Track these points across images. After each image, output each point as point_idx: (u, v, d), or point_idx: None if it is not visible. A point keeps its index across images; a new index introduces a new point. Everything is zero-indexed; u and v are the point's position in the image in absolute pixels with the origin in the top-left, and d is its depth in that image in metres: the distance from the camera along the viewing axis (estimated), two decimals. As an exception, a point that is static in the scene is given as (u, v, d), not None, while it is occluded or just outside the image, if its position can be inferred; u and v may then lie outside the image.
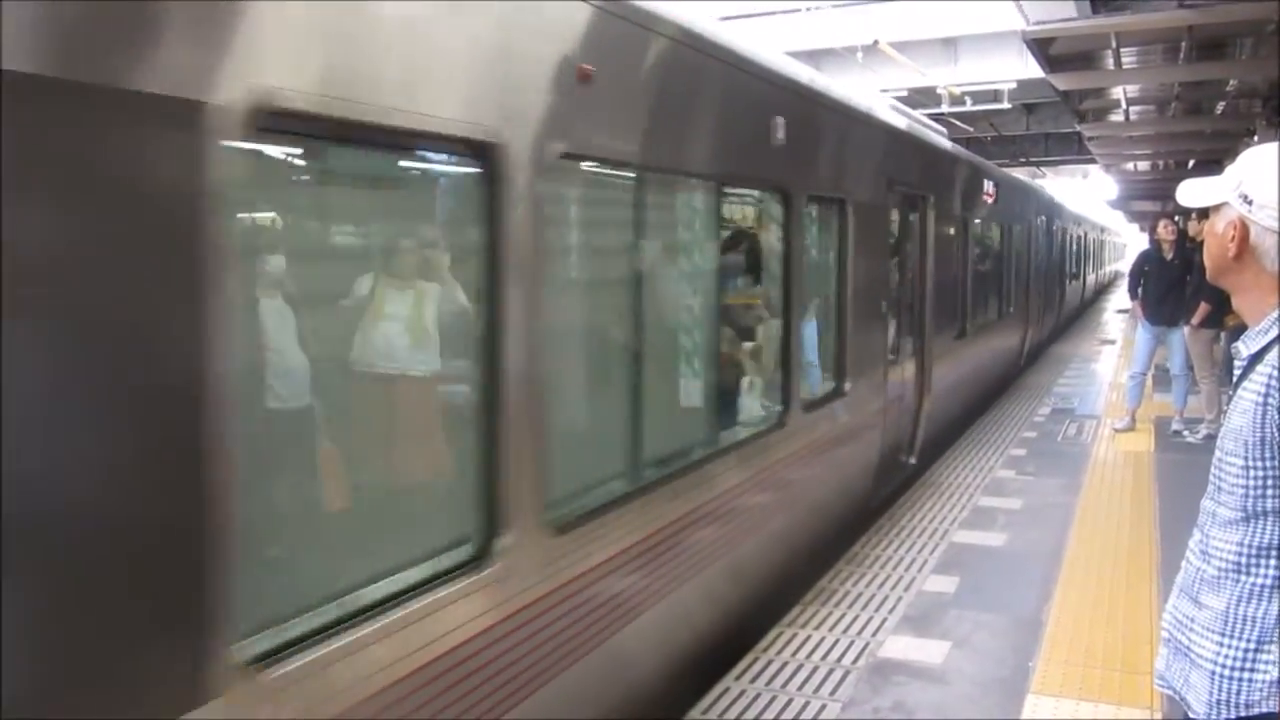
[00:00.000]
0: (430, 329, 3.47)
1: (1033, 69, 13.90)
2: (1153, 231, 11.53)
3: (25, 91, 1.81)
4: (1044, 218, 18.10)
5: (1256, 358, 2.08)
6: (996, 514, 7.57)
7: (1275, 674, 1.99)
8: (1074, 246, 25.07)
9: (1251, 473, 2.02)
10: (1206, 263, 2.26)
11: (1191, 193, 2.30)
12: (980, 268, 12.33)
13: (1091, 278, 33.32)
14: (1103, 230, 40.01)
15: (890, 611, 5.65)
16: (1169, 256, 10.50)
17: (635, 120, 3.94)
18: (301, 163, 3.02)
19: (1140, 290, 10.89)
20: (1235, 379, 2.14)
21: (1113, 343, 19.75)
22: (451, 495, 3.33)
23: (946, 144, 10.65)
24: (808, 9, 16.89)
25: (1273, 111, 13.60)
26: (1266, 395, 2.00)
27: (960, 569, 6.34)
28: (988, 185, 12.20)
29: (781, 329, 5.76)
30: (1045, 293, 18.15)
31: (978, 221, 11.94)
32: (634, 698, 4.08)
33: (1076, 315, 26.45)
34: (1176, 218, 11.48)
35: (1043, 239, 17.71)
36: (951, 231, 10.20)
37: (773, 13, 16.69)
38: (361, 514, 3.11)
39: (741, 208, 6.11)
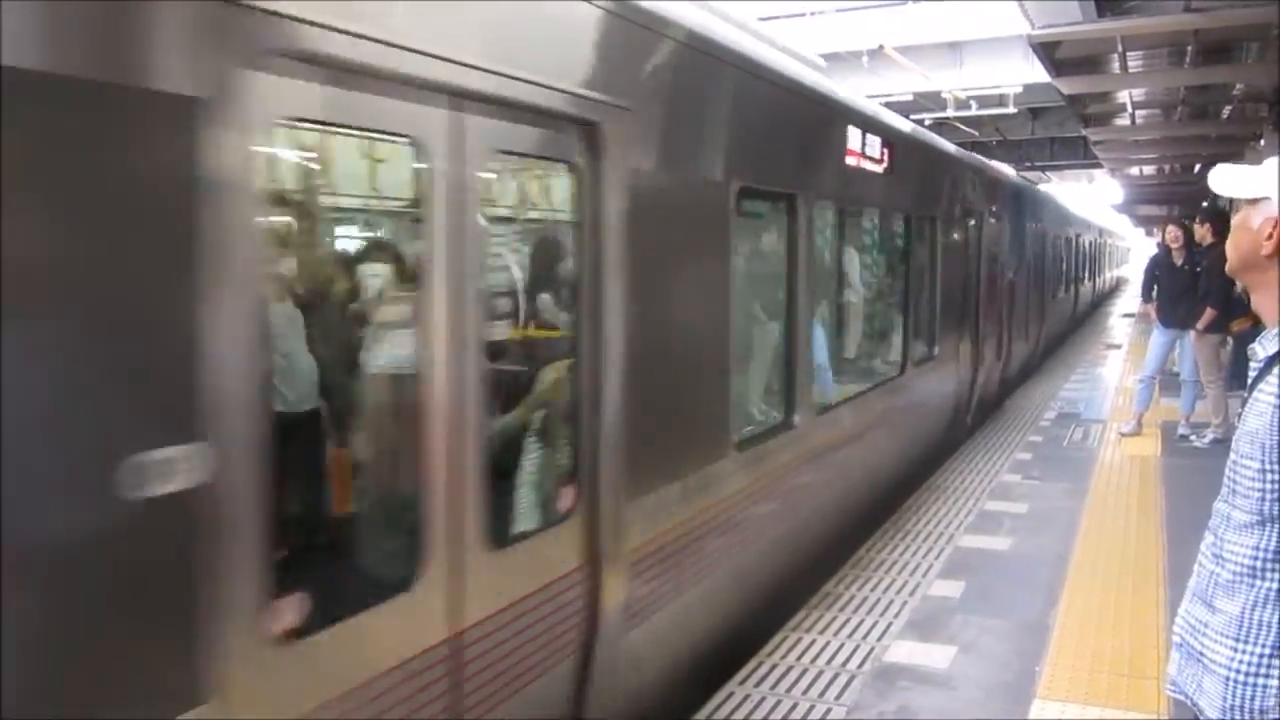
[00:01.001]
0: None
1: (1038, 73, 13.89)
2: (1163, 237, 11.53)
3: None
4: (1009, 212, 12.68)
5: (1274, 359, 2.04)
6: (1002, 518, 7.53)
7: (1290, 680, 1.97)
8: (1061, 251, 19.79)
9: (1268, 476, 1.99)
10: (1232, 256, 2.19)
11: (1229, 181, 2.22)
12: (856, 290, 7.79)
13: (1087, 286, 26.72)
14: (1100, 232, 31.98)
15: (895, 616, 5.62)
16: (1178, 261, 10.49)
17: None
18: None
19: (1154, 294, 10.90)
20: (1250, 381, 2.11)
21: (1118, 347, 19.69)
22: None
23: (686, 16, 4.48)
24: (812, 13, 16.90)
25: (1279, 116, 13.58)
26: None
27: (966, 573, 6.31)
28: (861, 140, 6.67)
29: None
30: (1010, 317, 12.90)
31: (833, 206, 6.85)
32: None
33: (1066, 335, 21.68)
34: (1186, 221, 11.47)
35: (1008, 241, 12.69)
36: (719, 219, 4.71)
37: (776, 16, 16.69)
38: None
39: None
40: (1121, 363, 16.99)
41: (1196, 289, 10.06)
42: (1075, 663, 4.98)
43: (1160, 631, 5.28)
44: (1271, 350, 2.06)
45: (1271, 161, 2.16)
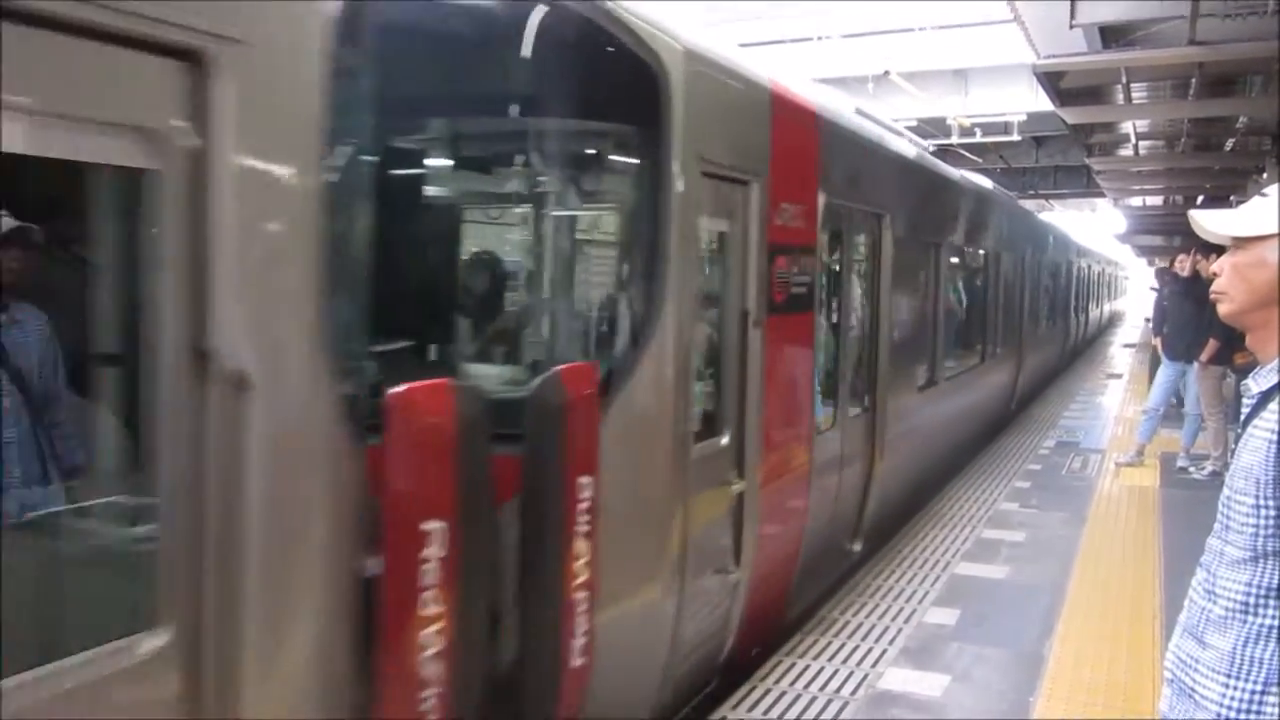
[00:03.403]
0: None
1: (1043, 101, 13.95)
2: (1170, 266, 11.59)
3: None
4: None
5: (1267, 395, 2.04)
6: (1000, 546, 7.51)
7: (1282, 718, 1.95)
8: (987, 287, 11.64)
9: (1262, 512, 1.98)
10: (1243, 294, 2.11)
11: (1225, 222, 2.16)
12: None
13: (1051, 332, 17.33)
14: (1080, 254, 23.18)
15: (890, 643, 5.59)
16: (1178, 277, 10.65)
17: None
18: None
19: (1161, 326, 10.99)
20: (1244, 416, 2.10)
21: (1119, 377, 19.66)
22: None
23: None
24: (818, 38, 17.00)
25: (1282, 149, 13.63)
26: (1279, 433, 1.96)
27: (962, 601, 6.28)
28: None
29: None
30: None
31: None
32: None
33: (999, 429, 12.59)
34: (1210, 256, 11.55)
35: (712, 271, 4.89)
36: None
37: (782, 40, 16.80)
38: None
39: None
40: (1122, 392, 16.97)
41: (1199, 321, 10.07)
42: (1070, 694, 4.95)
43: (1156, 664, 5.25)
44: (1266, 386, 2.06)
45: (1274, 197, 2.11)
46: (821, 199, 5.72)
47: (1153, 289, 16.66)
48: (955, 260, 10.26)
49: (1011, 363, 13.05)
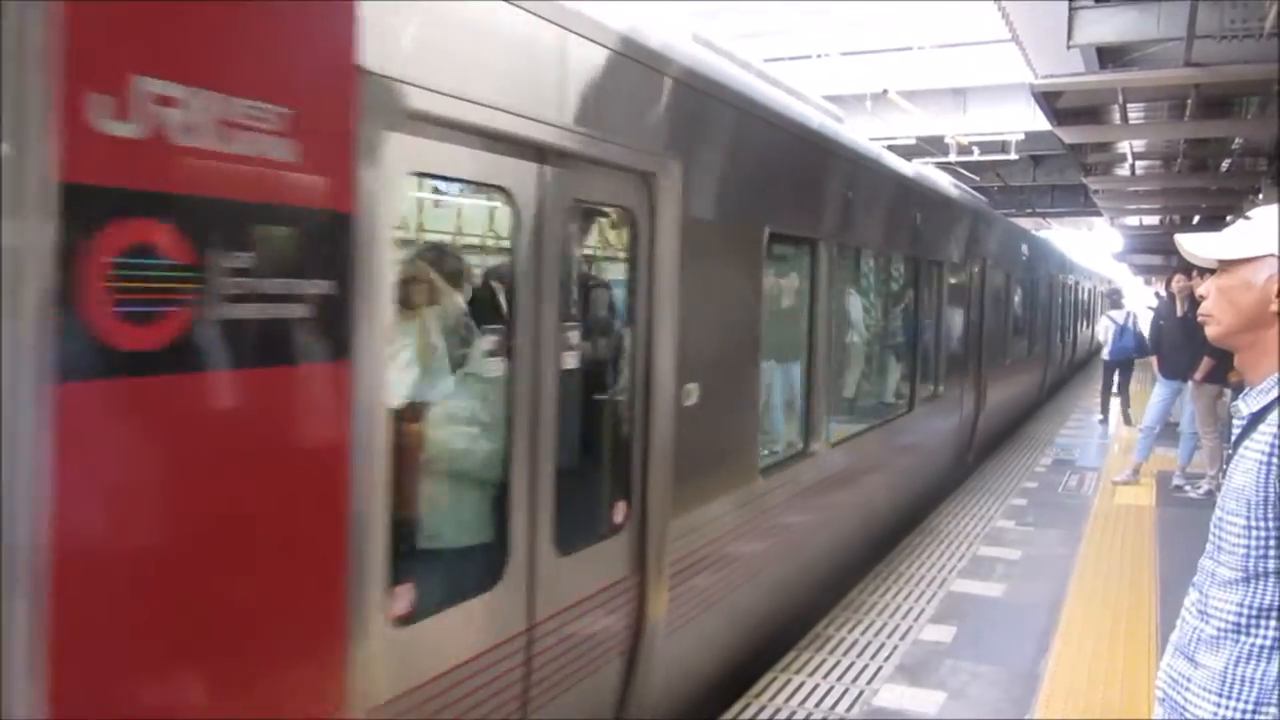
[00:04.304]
0: None
1: (1040, 121, 14.04)
2: (1168, 285, 11.62)
3: None
4: None
5: (1258, 416, 2.06)
6: (995, 564, 7.51)
7: (1273, 736, 1.96)
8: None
9: (1253, 533, 2.00)
10: (1230, 316, 2.14)
11: (1209, 245, 2.18)
12: None
13: (1028, 365, 15.39)
14: (1067, 268, 20.82)
15: (886, 660, 5.58)
16: (1181, 310, 10.59)
17: None
18: None
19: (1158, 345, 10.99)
20: (1235, 437, 2.12)
21: (1116, 395, 19.62)
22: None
23: None
24: (817, 56, 17.09)
25: (1278, 170, 13.70)
26: (1270, 454, 1.97)
27: (958, 618, 6.28)
28: None
29: None
30: None
31: None
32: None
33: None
34: (1202, 276, 11.51)
35: None
36: None
37: (780, 58, 16.88)
38: None
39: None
40: (1117, 410, 16.95)
41: (1196, 340, 10.09)
42: (1066, 712, 4.95)
43: (1151, 683, 5.22)
44: (1256, 407, 2.08)
45: (1265, 213, 2.14)
46: (373, 97, 2.47)
47: (1108, 315, 16.54)
48: (857, 267, 7.57)
49: (965, 404, 10.39)
